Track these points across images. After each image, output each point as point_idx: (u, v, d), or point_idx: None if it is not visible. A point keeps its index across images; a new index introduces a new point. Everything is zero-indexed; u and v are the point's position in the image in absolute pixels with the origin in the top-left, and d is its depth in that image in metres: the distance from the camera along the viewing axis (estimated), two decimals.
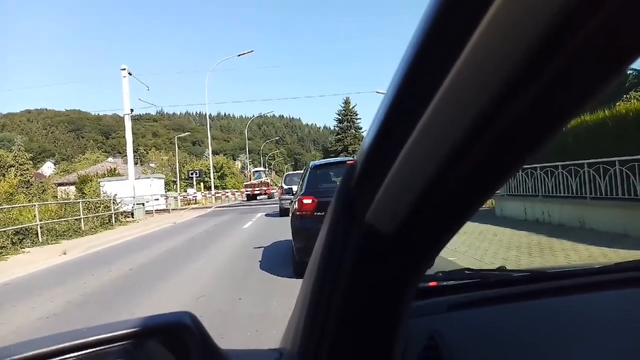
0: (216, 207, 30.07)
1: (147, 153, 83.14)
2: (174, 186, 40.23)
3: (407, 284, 0.45)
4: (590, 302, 0.90)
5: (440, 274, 1.05)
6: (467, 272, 1.08)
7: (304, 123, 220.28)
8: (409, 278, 0.45)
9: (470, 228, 9.85)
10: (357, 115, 67.51)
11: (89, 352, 0.51)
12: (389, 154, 0.37)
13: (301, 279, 0.59)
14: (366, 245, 0.44)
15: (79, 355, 0.50)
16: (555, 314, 0.85)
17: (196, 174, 40.92)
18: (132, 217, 22.48)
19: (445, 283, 1.00)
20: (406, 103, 0.35)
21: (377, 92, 29.24)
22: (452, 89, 0.30)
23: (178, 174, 43.19)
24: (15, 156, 33.19)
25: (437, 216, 0.39)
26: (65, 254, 10.77)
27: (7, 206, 13.92)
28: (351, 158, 8.02)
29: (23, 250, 12.00)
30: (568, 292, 0.93)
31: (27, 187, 24.85)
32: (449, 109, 0.31)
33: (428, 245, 0.43)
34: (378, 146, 0.40)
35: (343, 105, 67.35)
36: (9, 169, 25.99)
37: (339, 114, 67.16)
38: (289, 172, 23.91)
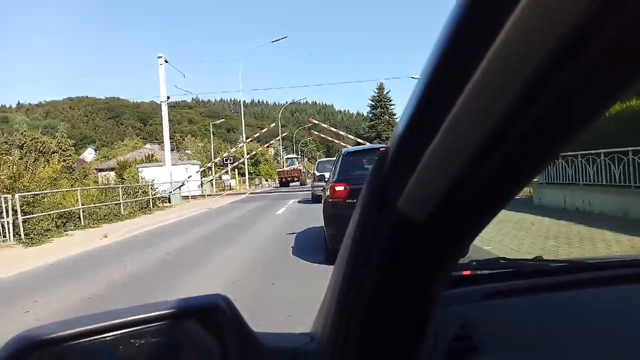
0: (250, 193, 30.48)
1: (183, 140, 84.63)
2: (210, 172, 40.93)
3: (439, 272, 0.45)
4: (631, 294, 0.87)
5: (474, 263, 1.03)
6: (502, 261, 1.06)
7: (336, 110, 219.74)
8: (441, 266, 0.44)
9: (506, 217, 9.64)
10: (391, 101, 66.59)
11: (128, 331, 0.53)
12: (421, 140, 0.37)
13: (332, 266, 0.59)
14: (398, 233, 0.44)
15: (118, 333, 0.53)
16: (594, 306, 0.82)
17: (230, 161, 41.49)
18: (169, 202, 23.04)
19: (479, 272, 0.98)
20: (439, 90, 0.35)
21: (411, 77, 28.82)
22: (486, 75, 0.29)
23: (213, 160, 43.92)
24: (59, 142, 34.49)
25: (470, 204, 0.39)
26: (106, 237, 11.17)
27: (51, 190, 14.47)
28: (384, 145, 7.97)
29: (67, 233, 12.52)
30: (608, 283, 0.90)
31: (69, 173, 25.84)
32: (483, 96, 0.30)
33: (461, 233, 0.42)
34: (411, 133, 0.39)
35: (377, 91, 66.56)
36: (52, 155, 27.05)
37: (372, 100, 66.40)
38: (322, 159, 23.89)
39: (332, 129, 39.68)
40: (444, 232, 0.42)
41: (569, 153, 10.53)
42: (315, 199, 16.43)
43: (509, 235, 7.63)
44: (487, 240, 7.09)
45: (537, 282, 0.91)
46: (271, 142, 50.19)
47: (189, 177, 25.36)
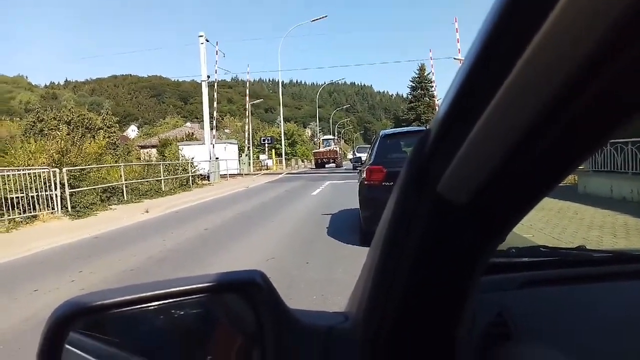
0: (286, 174, 30.75)
1: (222, 119, 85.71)
2: (247, 152, 41.52)
3: (478, 258, 0.44)
4: None
5: (514, 250, 1.01)
6: (542, 249, 1.03)
7: (375, 90, 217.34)
8: (479, 251, 0.44)
9: (548, 204, 9.35)
10: (432, 82, 65.23)
11: (169, 302, 0.55)
12: (465, 123, 0.36)
13: (366, 247, 0.59)
14: (437, 215, 0.43)
15: (160, 304, 0.55)
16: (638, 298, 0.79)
17: (268, 141, 41.95)
18: (208, 180, 23.52)
19: (518, 259, 0.96)
20: (487, 70, 0.34)
21: (454, 58, 28.02)
22: (538, 53, 0.28)
23: (251, 140, 44.49)
24: (104, 119, 35.49)
25: (512, 190, 0.38)
26: (147, 212, 11.54)
27: (96, 166, 14.99)
28: (424, 128, 7.82)
29: (110, 207, 12.98)
30: None
31: (114, 149, 26.61)
32: (533, 76, 0.29)
33: (501, 219, 0.41)
34: (455, 114, 0.39)
35: (417, 72, 65.19)
36: (98, 131, 27.90)
37: (412, 81, 65.14)
38: (361, 145, 24.65)
39: None
40: (484, 217, 0.41)
41: (619, 140, 10.07)
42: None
43: (550, 224, 7.42)
44: (527, 227, 6.91)
45: (578, 272, 0.88)
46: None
47: (212, 145, 25.77)
